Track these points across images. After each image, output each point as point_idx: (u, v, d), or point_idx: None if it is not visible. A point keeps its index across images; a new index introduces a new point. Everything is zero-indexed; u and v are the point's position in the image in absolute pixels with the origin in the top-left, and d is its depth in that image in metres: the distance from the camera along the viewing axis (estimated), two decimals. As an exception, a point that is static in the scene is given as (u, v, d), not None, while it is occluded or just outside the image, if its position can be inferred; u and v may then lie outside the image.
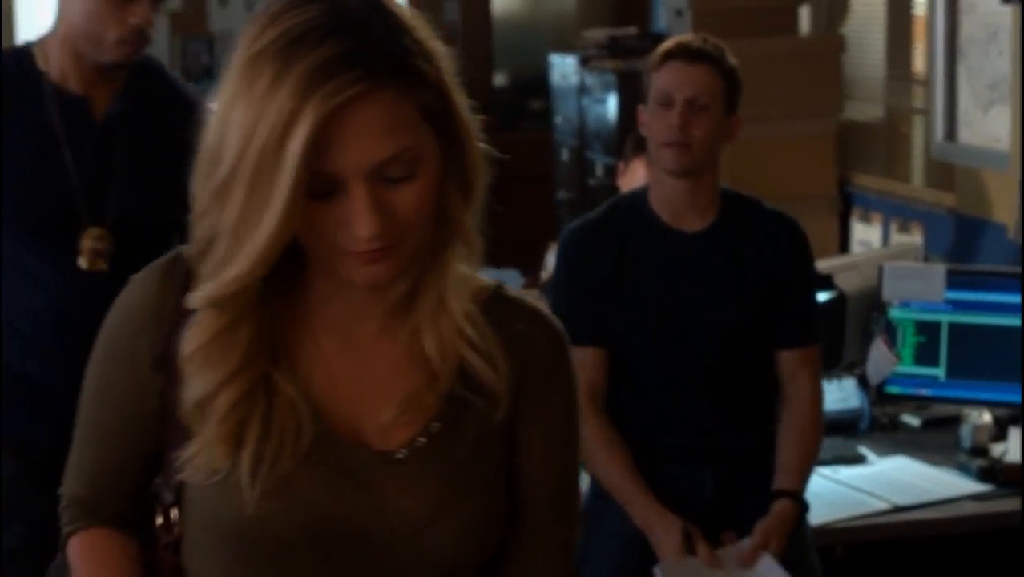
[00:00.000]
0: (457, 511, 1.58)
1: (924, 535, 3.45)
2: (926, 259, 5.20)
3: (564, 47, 7.60)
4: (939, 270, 4.07)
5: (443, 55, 1.53)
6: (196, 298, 1.53)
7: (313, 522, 1.55)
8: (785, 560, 3.07)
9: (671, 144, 3.13)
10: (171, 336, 1.59)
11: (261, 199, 1.44)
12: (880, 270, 4.11)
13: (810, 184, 6.01)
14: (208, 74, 8.69)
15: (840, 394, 4.03)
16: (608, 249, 3.20)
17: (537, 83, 8.10)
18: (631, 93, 6.05)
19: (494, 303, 1.63)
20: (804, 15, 6.46)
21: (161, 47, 8.62)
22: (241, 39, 1.50)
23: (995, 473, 3.59)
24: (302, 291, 1.59)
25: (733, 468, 3.18)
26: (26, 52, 3.04)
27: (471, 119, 1.55)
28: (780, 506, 3.09)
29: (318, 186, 1.45)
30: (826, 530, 3.33)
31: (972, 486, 3.57)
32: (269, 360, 1.56)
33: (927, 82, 5.34)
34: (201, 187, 1.51)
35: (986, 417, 3.85)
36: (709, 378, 3.16)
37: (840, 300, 4.18)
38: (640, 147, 4.23)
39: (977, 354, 3.99)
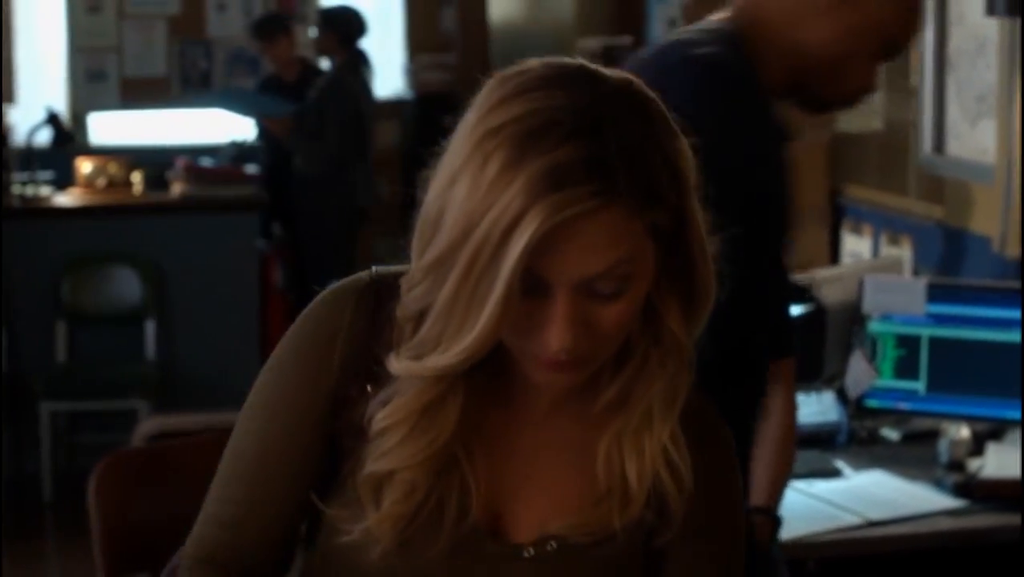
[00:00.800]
0: None
1: (897, 550, 3.42)
2: (916, 272, 5.18)
3: (561, 56, 7.57)
4: (920, 283, 4.05)
5: (691, 171, 1.44)
6: (400, 368, 1.47)
7: None
8: (752, 574, 3.04)
9: None
10: (353, 379, 1.53)
11: (475, 293, 1.38)
12: (861, 283, 4.09)
13: (801, 195, 5.98)
14: (206, 80, 8.68)
15: (818, 407, 4.00)
16: None
17: (533, 92, 8.08)
18: (623, 102, 6.01)
19: (685, 416, 1.55)
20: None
21: (159, 52, 8.63)
22: (480, 100, 1.43)
23: (970, 488, 3.56)
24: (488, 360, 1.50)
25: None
26: (743, 59, 2.26)
27: (708, 242, 1.46)
28: (751, 521, 3.07)
29: (522, 282, 1.39)
30: (797, 544, 3.30)
31: (947, 501, 3.53)
32: (464, 440, 1.51)
33: (915, 94, 5.32)
34: (417, 252, 1.45)
35: (964, 432, 3.82)
36: None
37: (820, 312, 4.16)
38: None
39: (957, 368, 3.96)
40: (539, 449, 1.55)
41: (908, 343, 4.02)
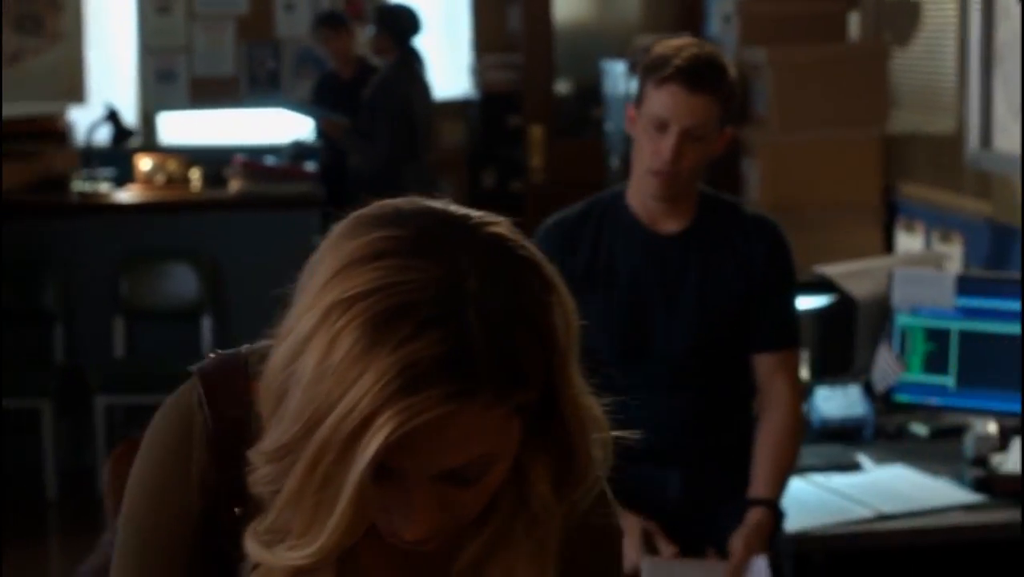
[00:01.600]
0: None
1: (908, 545, 3.35)
2: (966, 268, 5.09)
3: (624, 54, 7.56)
4: (949, 276, 3.97)
5: (564, 328, 1.30)
6: (254, 554, 1.34)
7: None
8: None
9: (659, 173, 3.06)
10: (218, 499, 1.42)
11: (322, 493, 1.26)
12: (890, 276, 4.02)
13: (854, 192, 5.92)
14: (274, 79, 8.73)
15: (844, 401, 3.94)
16: (582, 246, 3.15)
17: (596, 91, 8.06)
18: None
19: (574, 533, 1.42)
20: (853, 22, 6.36)
21: (227, 52, 8.69)
22: (333, 245, 1.28)
23: (989, 484, 3.49)
24: None
25: (701, 469, 3.13)
26: None
27: (584, 412, 1.34)
28: (753, 515, 3.03)
29: (376, 471, 1.26)
30: (805, 537, 3.25)
31: (965, 496, 3.46)
32: None
33: (961, 89, 5.23)
34: (264, 420, 1.32)
35: (991, 427, 3.74)
36: (678, 379, 3.10)
37: (850, 306, 4.10)
38: None
39: (987, 363, 3.87)
40: None
41: (938, 337, 3.95)
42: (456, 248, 1.26)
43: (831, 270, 4.16)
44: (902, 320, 3.99)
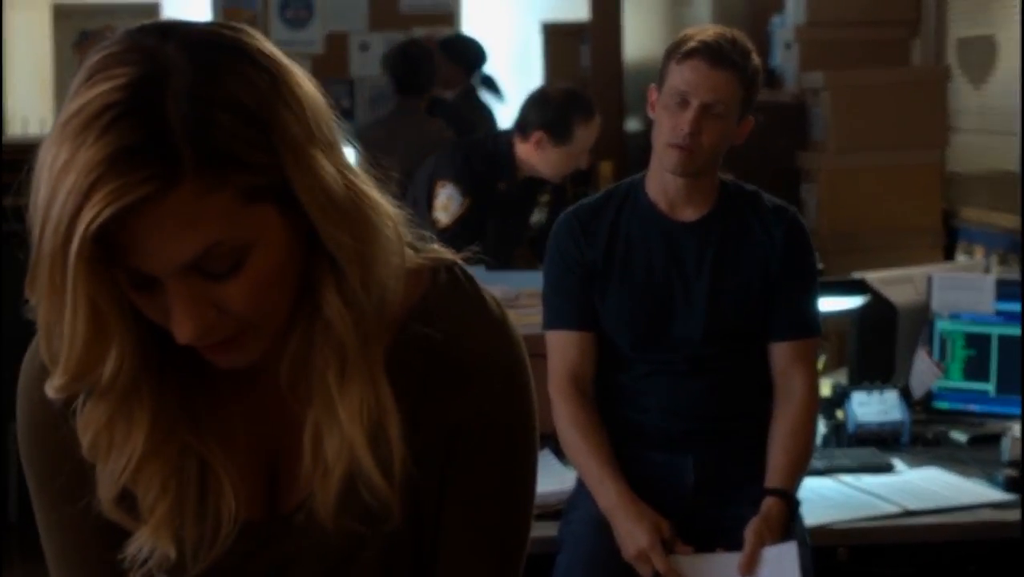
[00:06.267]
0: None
1: (933, 541, 3.30)
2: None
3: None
4: (989, 280, 3.92)
5: (298, 119, 1.31)
6: (51, 389, 1.34)
7: None
8: None
9: (677, 147, 3.06)
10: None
11: (62, 306, 1.27)
12: (929, 280, 3.98)
13: (914, 217, 5.86)
14: (348, 116, 8.82)
15: (881, 406, 3.88)
16: (600, 234, 3.14)
17: (666, 126, 8.06)
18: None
19: (420, 349, 1.43)
20: (915, 50, 6.31)
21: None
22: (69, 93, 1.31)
23: (1020, 483, 3.42)
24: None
25: (715, 454, 3.09)
26: None
27: (334, 201, 1.32)
28: (766, 505, 2.98)
29: (134, 278, 1.28)
30: (828, 531, 3.21)
31: (995, 495, 3.40)
32: (190, 428, 1.39)
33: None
34: None
35: (1028, 430, 3.68)
36: (694, 367, 3.08)
37: (890, 313, 4.05)
38: (545, 123, 4.81)
39: (1028, 368, 3.82)
40: (278, 429, 1.46)
41: (977, 342, 3.90)
42: (162, 50, 1.27)
43: (871, 276, 4.12)
44: (941, 325, 3.94)
